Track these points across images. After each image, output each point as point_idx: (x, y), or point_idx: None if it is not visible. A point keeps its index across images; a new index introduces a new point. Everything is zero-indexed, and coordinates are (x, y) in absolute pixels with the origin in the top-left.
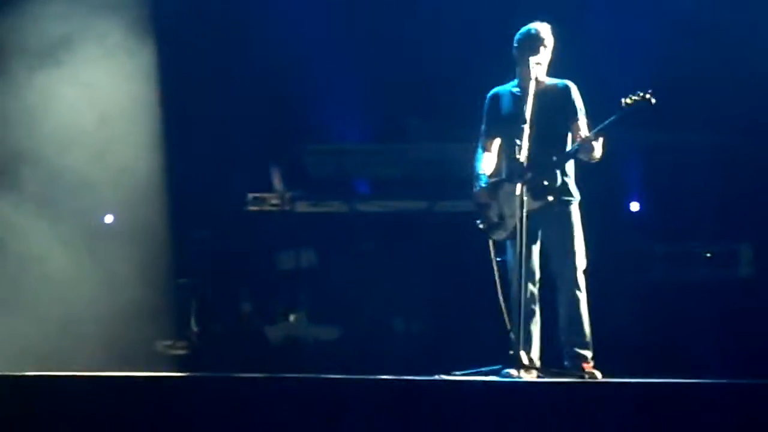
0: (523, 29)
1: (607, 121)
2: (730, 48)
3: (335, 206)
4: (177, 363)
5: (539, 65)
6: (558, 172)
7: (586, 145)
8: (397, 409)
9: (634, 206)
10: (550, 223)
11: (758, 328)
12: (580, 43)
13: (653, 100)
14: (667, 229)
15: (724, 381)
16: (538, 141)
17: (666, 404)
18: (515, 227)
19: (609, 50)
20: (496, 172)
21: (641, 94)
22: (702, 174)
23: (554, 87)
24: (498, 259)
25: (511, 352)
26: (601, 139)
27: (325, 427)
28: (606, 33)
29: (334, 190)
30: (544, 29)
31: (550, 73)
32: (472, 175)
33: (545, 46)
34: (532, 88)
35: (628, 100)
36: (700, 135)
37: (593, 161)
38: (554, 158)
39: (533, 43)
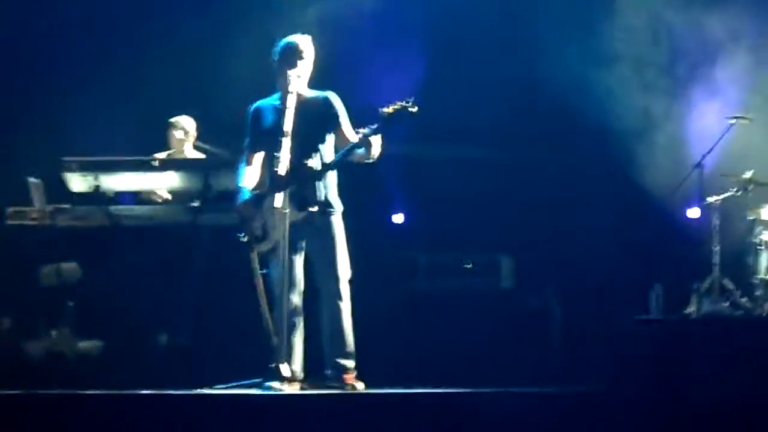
0: (282, 41)
1: (367, 129)
2: (494, 62)
3: (98, 220)
4: None
5: (299, 78)
6: (320, 183)
7: (359, 144)
8: (158, 424)
9: (398, 217)
10: (313, 234)
11: (519, 338)
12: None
13: (413, 109)
14: (430, 240)
15: (485, 390)
16: (298, 153)
17: (429, 414)
18: (278, 239)
19: (374, 60)
20: (260, 185)
21: (401, 103)
22: (464, 186)
23: (315, 98)
24: (263, 271)
25: (273, 365)
26: (378, 136)
27: None
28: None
29: (96, 204)
30: (303, 41)
31: (313, 84)
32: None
33: (304, 59)
34: (291, 101)
35: (389, 109)
36: (462, 147)
37: (371, 160)
38: (317, 169)
39: (292, 55)
